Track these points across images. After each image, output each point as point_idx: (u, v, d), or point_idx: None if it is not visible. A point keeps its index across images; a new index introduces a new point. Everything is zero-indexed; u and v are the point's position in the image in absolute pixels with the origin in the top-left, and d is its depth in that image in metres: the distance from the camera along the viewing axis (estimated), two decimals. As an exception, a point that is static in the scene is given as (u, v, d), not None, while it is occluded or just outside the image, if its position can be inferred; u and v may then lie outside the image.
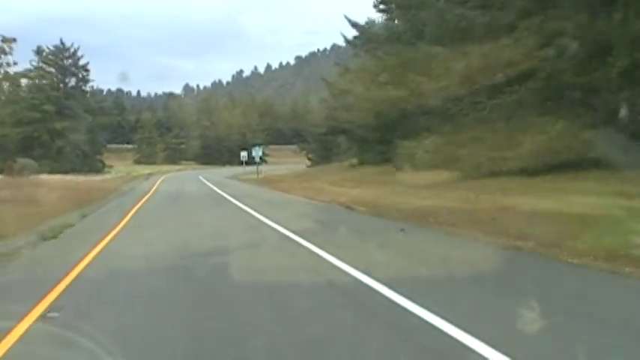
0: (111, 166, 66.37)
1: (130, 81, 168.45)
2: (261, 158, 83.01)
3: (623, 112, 14.89)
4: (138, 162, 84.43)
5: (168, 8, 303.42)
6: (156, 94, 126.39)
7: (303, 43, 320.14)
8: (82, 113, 64.35)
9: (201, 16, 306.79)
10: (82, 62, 66.34)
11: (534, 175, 15.01)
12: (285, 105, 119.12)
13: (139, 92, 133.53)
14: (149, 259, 7.99)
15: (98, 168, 63.14)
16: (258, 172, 39.66)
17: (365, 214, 13.94)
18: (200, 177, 47.00)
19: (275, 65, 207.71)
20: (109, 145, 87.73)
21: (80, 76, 66.64)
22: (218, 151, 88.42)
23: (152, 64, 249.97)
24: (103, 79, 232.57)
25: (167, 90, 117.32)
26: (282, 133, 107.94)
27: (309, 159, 60.50)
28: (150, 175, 55.62)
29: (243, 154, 55.01)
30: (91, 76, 67.33)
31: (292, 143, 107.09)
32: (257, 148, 40.86)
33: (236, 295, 5.72)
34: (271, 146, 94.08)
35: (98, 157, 67.16)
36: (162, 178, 47.41)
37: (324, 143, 56.35)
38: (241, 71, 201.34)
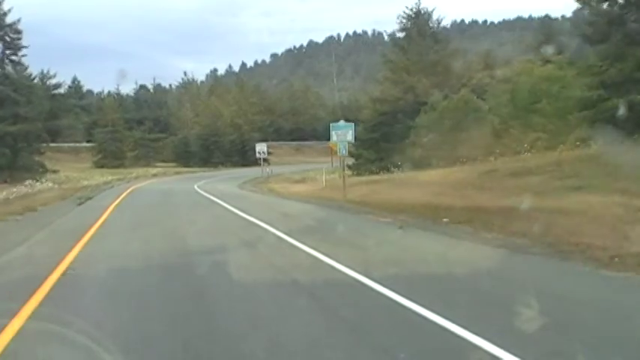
0: (55, 171, 45.66)
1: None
2: (264, 159, 62.71)
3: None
4: (99, 164, 63.44)
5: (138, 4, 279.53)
6: (127, 94, 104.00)
7: (273, 42, 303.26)
8: (10, 93, 43.78)
9: (172, 15, 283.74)
10: (9, 20, 45.28)
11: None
12: (279, 100, 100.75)
13: (109, 92, 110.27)
14: None
15: (35, 173, 42.36)
16: (343, 174, 18.35)
17: None
18: (217, 200, 26.83)
19: (250, 64, 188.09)
20: (65, 144, 67.47)
21: (8, 39, 45.55)
22: (206, 150, 67.74)
23: (117, 64, 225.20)
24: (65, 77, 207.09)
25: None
26: (280, 127, 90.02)
27: (350, 155, 41.01)
28: (100, 187, 35.16)
29: (261, 147, 35.45)
30: (24, 42, 46.05)
31: (292, 140, 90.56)
32: (342, 124, 18.53)
33: None
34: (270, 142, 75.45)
35: (36, 158, 46.15)
36: (119, 200, 21.83)
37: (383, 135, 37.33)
38: (215, 70, 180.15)
